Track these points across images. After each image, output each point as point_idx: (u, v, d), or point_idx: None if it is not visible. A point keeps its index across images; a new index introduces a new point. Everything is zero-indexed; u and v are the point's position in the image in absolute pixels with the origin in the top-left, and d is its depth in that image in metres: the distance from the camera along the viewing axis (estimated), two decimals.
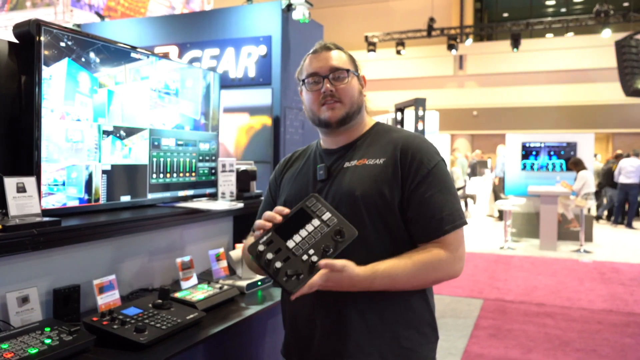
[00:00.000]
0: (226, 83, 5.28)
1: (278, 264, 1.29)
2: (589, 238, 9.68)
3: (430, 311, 1.55)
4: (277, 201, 1.68)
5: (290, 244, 1.32)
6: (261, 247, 1.32)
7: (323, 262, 1.28)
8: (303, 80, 1.58)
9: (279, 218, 1.36)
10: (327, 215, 1.35)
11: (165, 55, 2.42)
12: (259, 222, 1.37)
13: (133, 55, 2.17)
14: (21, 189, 1.70)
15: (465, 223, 1.47)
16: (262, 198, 2.00)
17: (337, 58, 1.55)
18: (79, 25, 6.38)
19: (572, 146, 10.34)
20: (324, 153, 1.61)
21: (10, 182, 1.68)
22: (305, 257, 1.30)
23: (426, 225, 1.43)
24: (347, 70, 1.54)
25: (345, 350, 1.45)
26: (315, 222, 1.34)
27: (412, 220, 1.45)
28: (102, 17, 6.75)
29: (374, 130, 1.60)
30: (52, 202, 1.85)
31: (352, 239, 1.33)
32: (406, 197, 1.45)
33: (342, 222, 1.34)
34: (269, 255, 1.30)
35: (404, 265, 1.38)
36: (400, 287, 1.41)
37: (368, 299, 1.42)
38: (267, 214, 1.38)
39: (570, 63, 17.99)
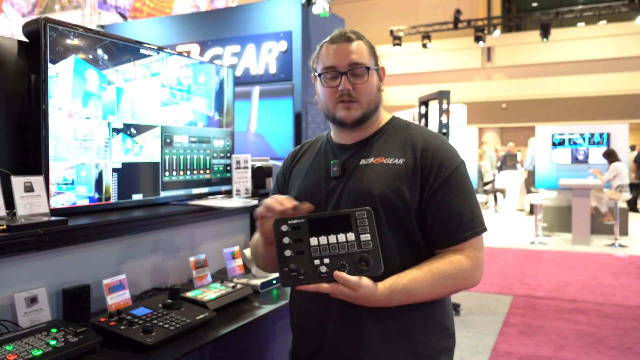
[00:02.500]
0: (247, 80, 5.26)
1: (288, 252, 1.24)
2: (624, 232, 9.39)
3: (448, 315, 1.47)
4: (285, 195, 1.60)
5: (313, 241, 1.26)
6: (284, 228, 1.26)
7: (340, 276, 1.22)
8: (320, 74, 1.46)
9: (287, 206, 1.32)
10: (365, 237, 1.26)
11: (177, 52, 2.39)
12: (259, 209, 1.33)
13: (142, 51, 2.14)
14: (29, 188, 1.68)
15: (486, 229, 1.41)
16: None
17: (357, 52, 1.43)
18: (102, 26, 6.44)
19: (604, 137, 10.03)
20: (337, 148, 1.52)
21: (17, 182, 1.66)
22: (317, 261, 1.24)
23: (445, 230, 1.37)
24: (368, 68, 1.43)
25: (359, 358, 1.37)
26: (351, 236, 1.26)
27: (430, 224, 1.38)
28: (125, 17, 6.80)
29: (390, 126, 1.51)
30: (61, 201, 1.84)
31: (373, 274, 1.25)
32: (425, 200, 1.38)
33: (375, 253, 1.25)
34: (286, 240, 1.25)
35: (424, 278, 1.32)
36: (420, 300, 1.35)
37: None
38: (277, 197, 1.35)
39: (603, 52, 17.47)
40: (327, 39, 1.48)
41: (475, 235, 1.38)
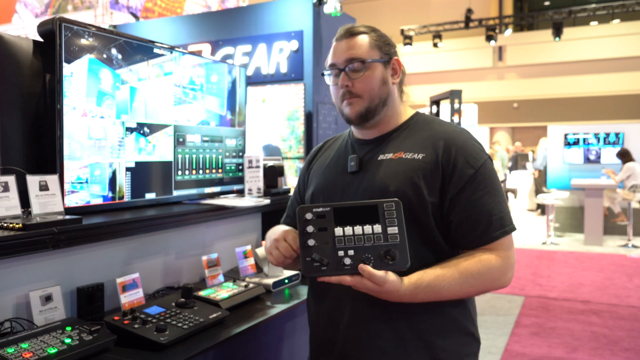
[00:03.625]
0: (258, 79, 5.26)
1: (311, 242, 1.20)
2: (637, 232, 9.29)
3: (472, 317, 1.42)
4: (305, 193, 1.59)
5: (338, 231, 1.21)
6: (309, 215, 1.22)
7: (365, 269, 1.17)
8: (322, 73, 1.49)
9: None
10: (393, 230, 1.21)
11: (190, 51, 2.39)
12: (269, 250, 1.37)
13: (156, 51, 2.15)
14: (44, 187, 1.69)
15: (515, 228, 1.36)
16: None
17: (355, 46, 1.41)
18: (114, 26, 6.48)
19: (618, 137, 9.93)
20: (357, 143, 1.50)
21: (32, 180, 1.67)
22: (341, 252, 1.20)
23: (473, 230, 1.32)
24: (363, 62, 1.39)
25: (370, 359, 1.34)
26: (378, 228, 1.21)
27: (457, 224, 1.33)
28: (137, 17, 6.83)
29: (412, 122, 1.47)
30: (75, 200, 1.84)
31: (399, 269, 1.21)
32: (450, 199, 1.33)
33: (402, 247, 1.20)
34: (310, 228, 1.21)
35: (451, 276, 1.27)
36: (445, 299, 1.30)
37: (399, 304, 1.29)
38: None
39: (617, 51, 17.29)
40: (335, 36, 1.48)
41: (505, 235, 1.33)
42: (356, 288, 1.21)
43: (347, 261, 1.19)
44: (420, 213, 1.32)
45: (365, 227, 1.21)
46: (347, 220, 1.22)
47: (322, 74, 1.49)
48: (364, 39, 1.42)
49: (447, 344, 1.34)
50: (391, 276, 1.20)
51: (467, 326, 1.40)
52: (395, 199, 1.25)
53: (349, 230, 1.21)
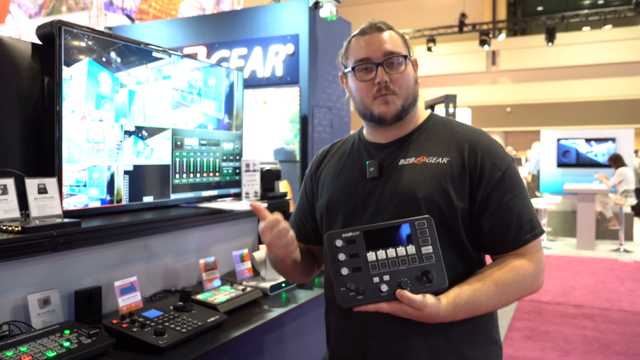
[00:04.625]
0: (254, 83, 5.27)
1: (345, 271, 1.14)
2: (629, 237, 9.35)
3: (496, 326, 1.39)
4: (316, 201, 1.50)
5: (371, 256, 1.15)
6: (339, 242, 1.16)
7: (404, 295, 1.12)
8: (352, 68, 1.36)
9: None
10: (427, 249, 1.16)
11: (188, 55, 2.40)
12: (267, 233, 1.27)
13: (154, 54, 2.15)
14: (42, 190, 1.69)
15: (544, 230, 1.32)
16: (291, 198, 1.87)
17: (391, 41, 1.33)
18: (110, 28, 6.47)
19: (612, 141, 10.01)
20: (372, 147, 1.41)
21: (31, 183, 1.67)
22: (376, 279, 1.14)
23: (505, 235, 1.28)
24: (405, 57, 1.32)
25: None
26: (411, 248, 1.16)
27: (488, 229, 1.28)
28: (132, 19, 6.83)
29: (429, 123, 1.40)
30: (73, 203, 1.84)
31: (437, 291, 1.15)
32: (479, 203, 1.28)
33: (438, 267, 1.15)
34: (342, 256, 1.15)
35: (487, 289, 1.22)
36: (484, 312, 1.26)
37: None
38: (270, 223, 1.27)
39: (609, 56, 17.43)
40: (357, 31, 1.40)
41: (535, 238, 1.29)
42: (394, 314, 1.17)
43: (384, 287, 1.14)
44: (450, 219, 1.27)
45: (399, 248, 1.16)
46: (379, 241, 1.17)
47: (351, 68, 1.36)
48: (394, 34, 1.37)
49: (477, 355, 1.31)
50: (430, 299, 1.15)
51: (494, 334, 1.37)
52: (427, 215, 1.20)
53: (382, 254, 1.16)
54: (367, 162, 1.38)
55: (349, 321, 1.34)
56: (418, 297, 1.13)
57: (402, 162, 1.34)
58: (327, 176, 1.48)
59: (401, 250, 1.16)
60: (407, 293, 1.12)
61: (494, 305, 1.25)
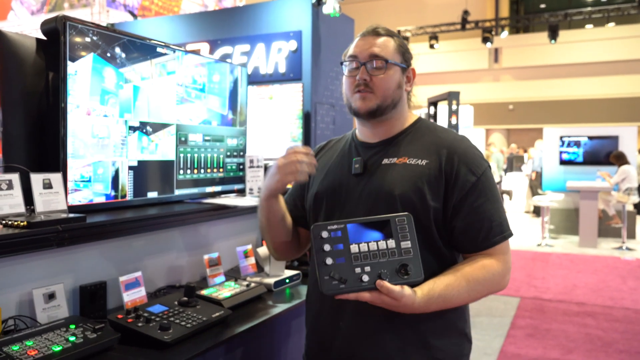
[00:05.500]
0: (257, 79, 5.26)
1: (329, 260, 1.21)
2: (631, 235, 9.35)
3: (465, 319, 1.48)
4: (307, 191, 1.60)
5: (354, 248, 1.23)
6: (325, 234, 1.23)
7: (384, 285, 1.20)
8: (342, 62, 1.51)
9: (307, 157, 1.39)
10: (406, 244, 1.24)
11: (192, 51, 2.40)
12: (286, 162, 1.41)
13: (159, 50, 2.15)
14: (47, 185, 1.70)
15: (512, 233, 1.42)
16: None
17: (381, 45, 1.45)
18: (112, 25, 6.47)
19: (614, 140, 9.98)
20: (361, 146, 1.53)
21: (36, 179, 1.67)
22: (358, 270, 1.21)
23: (476, 236, 1.37)
24: (386, 61, 1.44)
25: (370, 357, 1.38)
26: (391, 242, 1.24)
27: (460, 230, 1.38)
28: (135, 16, 6.82)
29: (415, 127, 1.51)
30: (78, 198, 1.85)
31: (413, 283, 1.24)
32: (453, 205, 1.38)
33: (416, 260, 1.24)
34: (327, 247, 1.22)
35: (459, 284, 1.32)
36: (454, 306, 1.36)
37: None
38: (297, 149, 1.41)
39: (612, 54, 17.40)
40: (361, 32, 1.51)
41: (504, 240, 1.39)
42: (373, 303, 1.23)
43: (365, 278, 1.21)
44: (423, 218, 1.36)
45: (380, 242, 1.24)
46: (362, 235, 1.24)
47: (341, 63, 1.52)
48: (390, 41, 1.47)
49: (444, 344, 1.40)
50: (407, 290, 1.23)
51: (463, 327, 1.46)
52: (407, 213, 1.28)
53: (364, 246, 1.23)
54: (354, 159, 1.49)
55: (324, 304, 1.45)
56: (397, 288, 1.21)
57: (385, 161, 1.45)
58: (320, 168, 1.57)
59: (382, 244, 1.24)
60: (387, 284, 1.20)
61: (464, 299, 1.35)
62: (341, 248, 1.23)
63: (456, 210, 1.38)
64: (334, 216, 1.46)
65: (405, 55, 1.49)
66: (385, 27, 1.50)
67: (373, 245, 1.23)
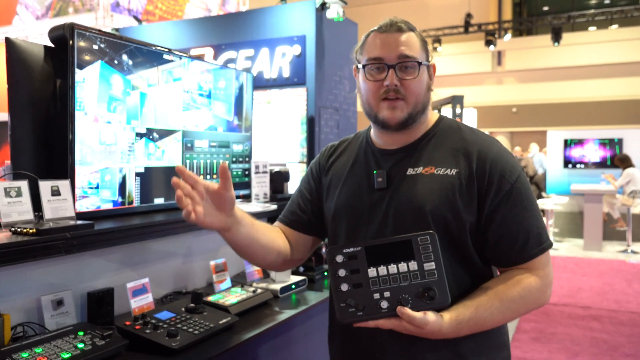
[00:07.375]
0: (261, 84, 5.28)
1: (345, 287, 1.13)
2: (636, 238, 9.30)
3: (506, 329, 1.37)
4: (324, 197, 1.45)
5: (372, 272, 1.14)
6: (339, 258, 1.15)
7: (405, 312, 1.10)
8: (363, 65, 1.31)
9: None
10: (429, 266, 1.13)
11: (199, 57, 2.40)
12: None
13: (165, 57, 2.16)
14: (56, 192, 1.70)
15: (552, 244, 1.29)
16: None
17: (408, 43, 1.28)
18: (117, 29, 6.49)
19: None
20: (379, 154, 1.37)
21: (45, 186, 1.68)
22: (376, 295, 1.12)
23: (511, 248, 1.25)
24: (419, 63, 1.28)
25: None
26: (413, 265, 1.14)
27: (494, 242, 1.26)
28: (139, 21, 6.85)
29: (438, 128, 1.36)
30: (86, 205, 1.86)
31: (439, 307, 1.14)
32: (485, 216, 1.25)
33: (441, 283, 1.13)
34: (342, 272, 1.14)
35: (491, 305, 1.20)
36: (489, 328, 1.24)
37: None
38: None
39: (615, 56, 17.37)
40: (376, 27, 1.34)
41: (542, 252, 1.26)
42: (397, 330, 1.14)
43: (384, 304, 1.12)
44: (457, 233, 1.25)
45: (400, 265, 1.14)
46: (380, 259, 1.15)
47: (357, 67, 1.35)
48: (414, 37, 1.31)
49: None
50: (431, 316, 1.12)
51: (504, 340, 1.36)
52: (430, 231, 1.17)
53: (383, 270, 1.14)
54: (375, 172, 1.34)
55: (355, 332, 1.26)
56: (419, 315, 1.11)
57: (410, 171, 1.30)
58: (335, 177, 1.44)
59: (403, 267, 1.14)
60: (408, 310, 1.11)
61: (499, 320, 1.23)
62: (358, 272, 1.14)
63: (489, 220, 1.25)
64: (358, 236, 1.33)
65: (427, 51, 1.33)
66: (403, 19, 1.33)
67: (393, 269, 1.14)
